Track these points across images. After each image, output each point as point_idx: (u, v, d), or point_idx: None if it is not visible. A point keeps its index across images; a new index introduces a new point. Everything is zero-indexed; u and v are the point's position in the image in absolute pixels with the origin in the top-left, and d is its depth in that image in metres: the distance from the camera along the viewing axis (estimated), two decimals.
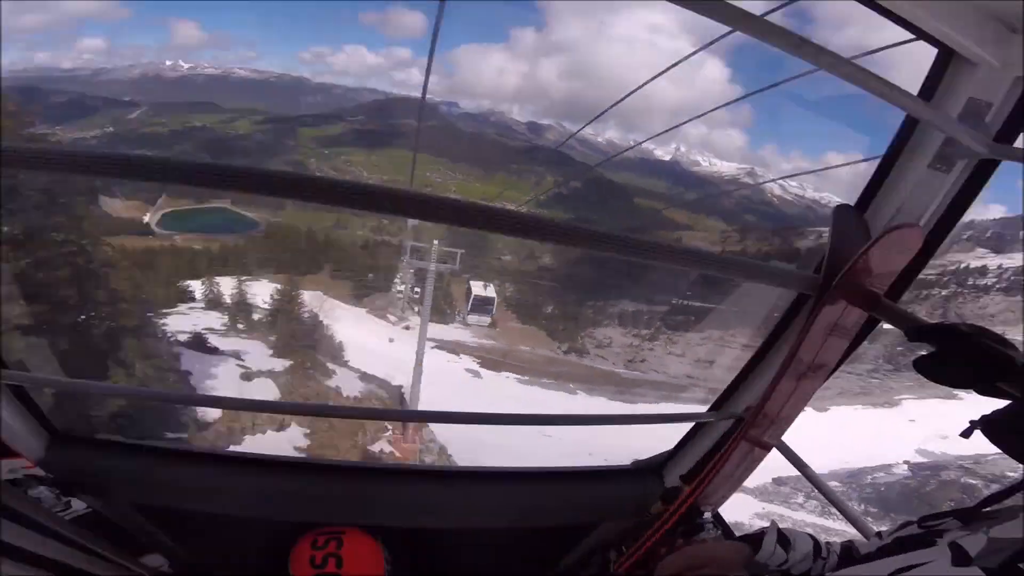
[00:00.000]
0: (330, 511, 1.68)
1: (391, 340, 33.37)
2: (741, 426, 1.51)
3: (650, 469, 2.01)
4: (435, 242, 26.71)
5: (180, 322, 25.06)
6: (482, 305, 30.18)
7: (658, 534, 1.63)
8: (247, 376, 21.46)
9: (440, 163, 53.71)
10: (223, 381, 19.79)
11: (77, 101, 47.39)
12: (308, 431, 18.44)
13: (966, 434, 1.01)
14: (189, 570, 1.94)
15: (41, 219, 11.26)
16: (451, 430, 20.37)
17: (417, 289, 36.43)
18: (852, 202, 1.50)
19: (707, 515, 1.67)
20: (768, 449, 1.63)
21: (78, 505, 1.52)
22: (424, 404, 21.51)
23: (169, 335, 21.04)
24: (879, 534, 1.11)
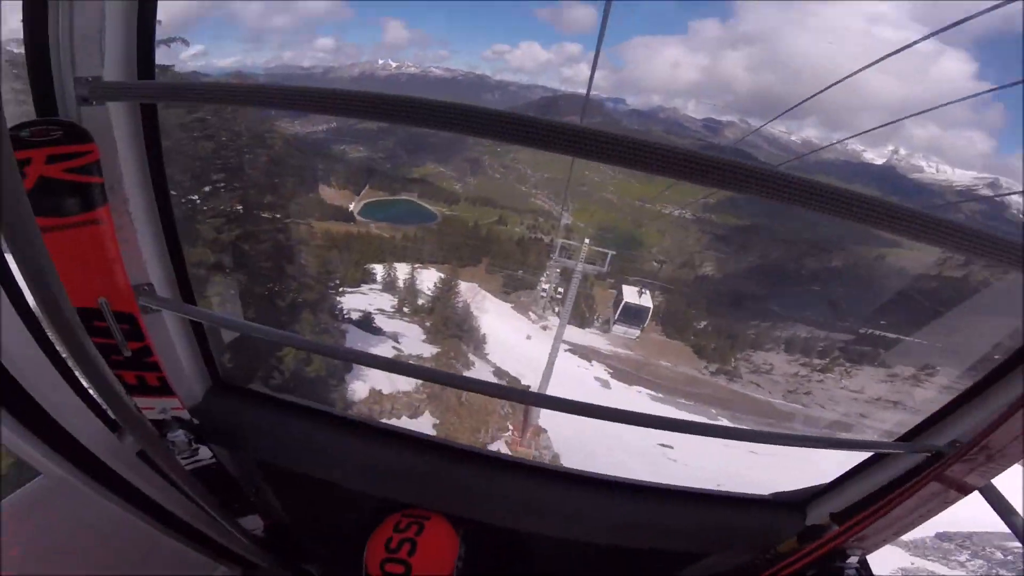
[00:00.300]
0: (427, 492, 1.63)
1: (528, 337, 34.45)
2: (941, 461, 1.18)
3: (792, 503, 1.69)
4: (586, 241, 26.47)
5: (356, 301, 28.95)
6: (634, 315, 25.75)
7: (782, 574, 1.38)
8: (399, 359, 22.89)
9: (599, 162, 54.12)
10: None
11: None
12: (437, 421, 19.54)
13: None
14: (281, 535, 2.01)
15: (257, 197, 13.43)
16: (567, 440, 19.99)
17: (561, 289, 36.97)
18: None
19: (852, 559, 1.35)
20: (968, 492, 1.21)
21: (204, 454, 1.56)
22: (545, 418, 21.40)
23: (343, 312, 23.14)
24: None
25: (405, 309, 30.85)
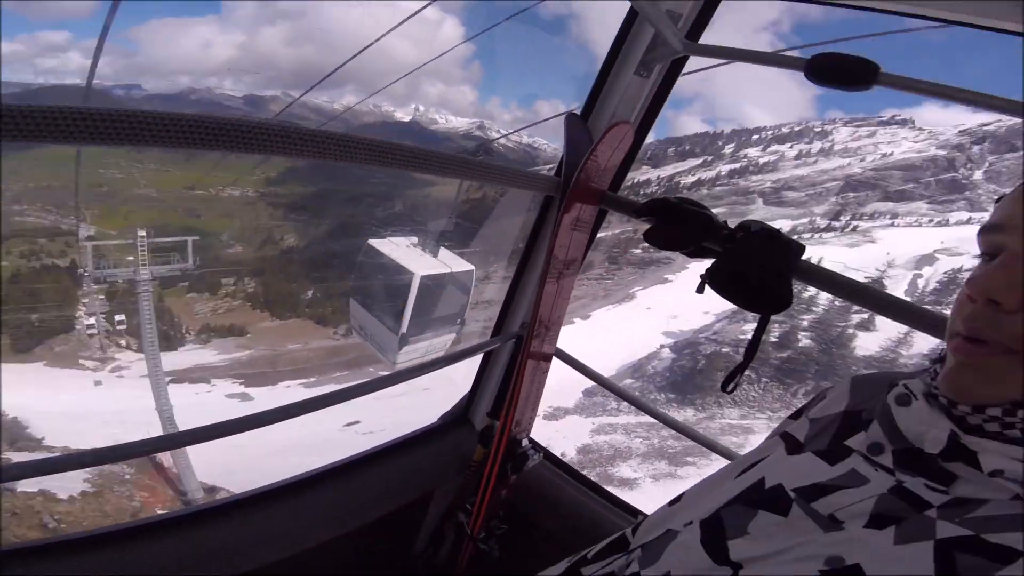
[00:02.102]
0: None
1: (98, 383, 25.60)
2: (523, 342, 1.50)
3: (457, 419, 1.94)
4: (140, 235, 19.29)
5: None
6: (446, 288, 11.75)
7: (492, 477, 1.58)
8: None
9: (119, 155, 41.55)
10: None
11: None
12: None
13: (700, 289, 1.17)
14: None
15: None
16: (251, 481, 16.43)
17: (120, 317, 28.12)
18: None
19: (525, 442, 1.66)
20: (549, 359, 1.69)
21: None
22: (193, 456, 17.08)
23: None
24: None
25: None
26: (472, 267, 12.55)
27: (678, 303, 34.38)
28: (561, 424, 22.75)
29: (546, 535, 1.77)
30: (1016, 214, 0.51)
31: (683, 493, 0.74)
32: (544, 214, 1.68)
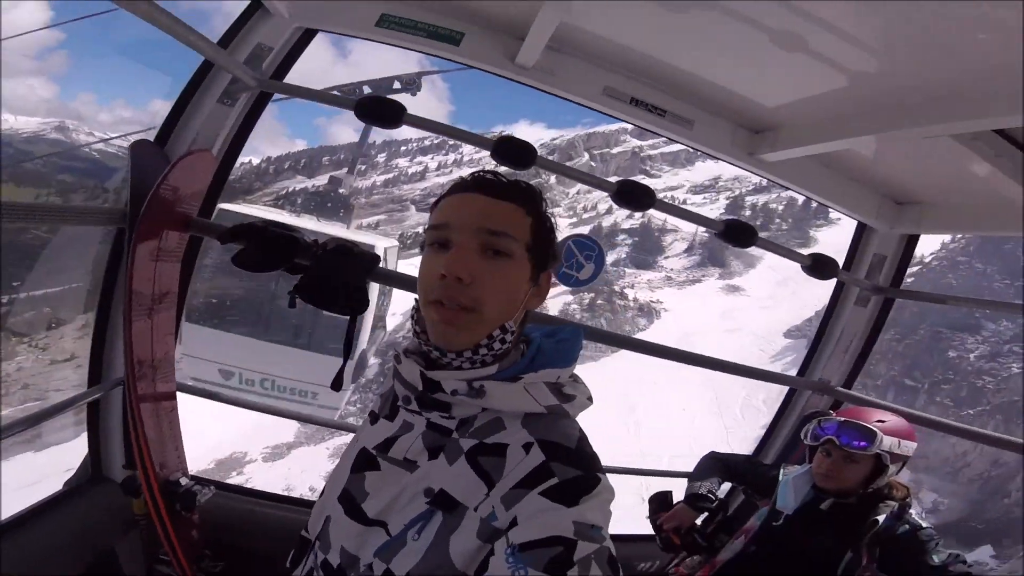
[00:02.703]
0: None
1: None
2: (128, 387, 1.38)
3: (93, 479, 1.70)
4: None
5: None
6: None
7: (168, 524, 1.46)
8: None
9: None
10: None
11: None
12: None
13: (291, 304, 1.27)
14: None
15: None
16: None
17: None
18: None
19: (184, 481, 1.58)
20: (171, 396, 1.57)
21: None
22: None
23: None
24: None
25: None
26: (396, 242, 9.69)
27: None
28: (291, 461, 20.07)
29: (259, 556, 1.75)
30: (455, 217, 0.69)
31: (326, 484, 0.87)
32: (116, 248, 1.54)
